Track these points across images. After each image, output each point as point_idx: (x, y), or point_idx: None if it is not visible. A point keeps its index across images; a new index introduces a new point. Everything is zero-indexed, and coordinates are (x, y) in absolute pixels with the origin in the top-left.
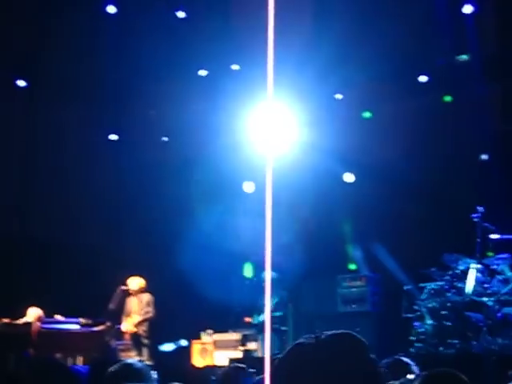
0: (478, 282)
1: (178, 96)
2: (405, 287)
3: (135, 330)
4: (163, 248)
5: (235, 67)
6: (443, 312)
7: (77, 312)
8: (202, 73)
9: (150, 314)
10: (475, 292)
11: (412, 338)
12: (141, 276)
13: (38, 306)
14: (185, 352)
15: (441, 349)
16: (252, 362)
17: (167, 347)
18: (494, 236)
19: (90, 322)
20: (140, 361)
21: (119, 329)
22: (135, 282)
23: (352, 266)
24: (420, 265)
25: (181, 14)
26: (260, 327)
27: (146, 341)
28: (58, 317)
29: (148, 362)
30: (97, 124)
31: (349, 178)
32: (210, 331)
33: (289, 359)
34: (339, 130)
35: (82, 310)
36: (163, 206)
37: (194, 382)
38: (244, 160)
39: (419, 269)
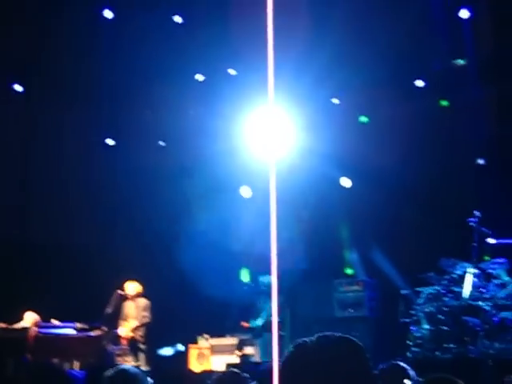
0: (475, 286)
1: (174, 100)
2: (402, 292)
3: (132, 334)
4: (160, 252)
5: (232, 72)
6: (440, 316)
7: (73, 316)
8: (199, 77)
9: (147, 319)
10: (472, 296)
11: (409, 342)
12: (137, 280)
13: (34, 310)
14: (182, 357)
15: (438, 353)
16: (249, 366)
17: (166, 351)
18: (490, 240)
19: (86, 326)
20: (136, 366)
21: (116, 333)
22: (132, 287)
23: (349, 271)
24: (417, 269)
25: (178, 19)
26: (257, 332)
27: (142, 346)
28: (55, 321)
29: (145, 367)
30: (94, 127)
31: (346, 182)
32: (206, 336)
33: (292, 360)
34: (336, 135)
35: (78, 314)
36: (160, 210)
37: None
38: (241, 165)
39: (416, 273)
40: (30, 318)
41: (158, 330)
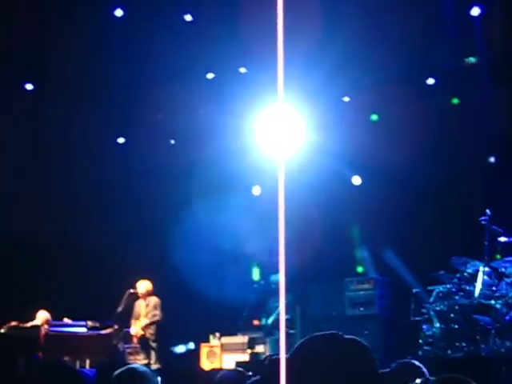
0: (486, 284)
1: (185, 99)
2: (413, 290)
3: (142, 332)
4: (171, 251)
5: (243, 70)
6: (451, 315)
7: (85, 315)
8: (210, 76)
9: (158, 318)
10: (483, 295)
11: (420, 341)
12: (149, 279)
13: (45, 309)
14: (193, 355)
15: (449, 352)
16: (259, 364)
17: (179, 349)
18: (502, 239)
19: (97, 325)
20: (146, 364)
21: (127, 332)
22: (143, 286)
23: (360, 269)
24: (428, 268)
25: (188, 17)
26: (268, 330)
27: (153, 344)
28: (66, 320)
29: (156, 366)
30: (104, 126)
31: (357, 180)
32: (217, 334)
33: (300, 355)
34: (347, 133)
35: (89, 313)
36: (171, 209)
37: None
38: (251, 163)
39: (427, 272)
40: (41, 317)
41: (169, 329)
